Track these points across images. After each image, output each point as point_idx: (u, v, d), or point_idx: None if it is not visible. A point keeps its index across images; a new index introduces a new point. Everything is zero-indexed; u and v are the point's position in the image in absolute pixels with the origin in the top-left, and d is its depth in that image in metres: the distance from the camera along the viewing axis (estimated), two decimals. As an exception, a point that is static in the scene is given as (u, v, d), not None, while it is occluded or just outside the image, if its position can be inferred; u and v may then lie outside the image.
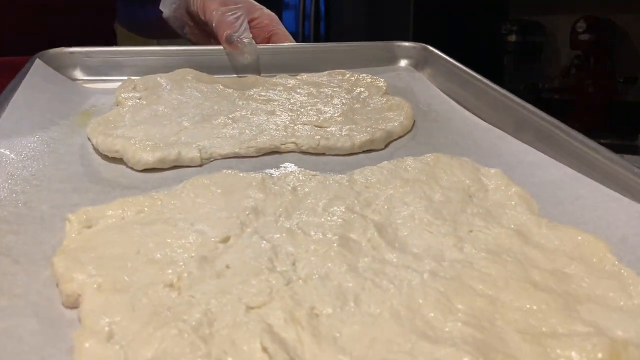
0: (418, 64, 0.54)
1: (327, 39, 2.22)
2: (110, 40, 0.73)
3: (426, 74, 0.52)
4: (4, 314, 0.24)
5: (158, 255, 0.27)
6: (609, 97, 2.18)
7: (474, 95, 0.47)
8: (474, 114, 0.46)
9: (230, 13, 0.54)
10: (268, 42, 0.57)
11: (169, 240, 0.28)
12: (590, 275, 0.27)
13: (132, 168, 0.36)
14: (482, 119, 0.44)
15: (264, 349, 0.21)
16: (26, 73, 0.43)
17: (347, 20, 2.19)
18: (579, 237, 0.29)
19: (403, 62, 0.55)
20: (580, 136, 0.37)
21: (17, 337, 0.22)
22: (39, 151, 0.37)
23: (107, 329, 0.23)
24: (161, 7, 0.61)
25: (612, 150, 1.25)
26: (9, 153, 0.35)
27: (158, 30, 0.72)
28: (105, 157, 0.37)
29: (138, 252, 0.27)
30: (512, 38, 2.22)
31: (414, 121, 0.43)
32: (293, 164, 0.37)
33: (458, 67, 0.49)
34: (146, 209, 0.30)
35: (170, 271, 0.26)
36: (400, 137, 0.41)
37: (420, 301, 0.25)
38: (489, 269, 0.27)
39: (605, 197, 0.33)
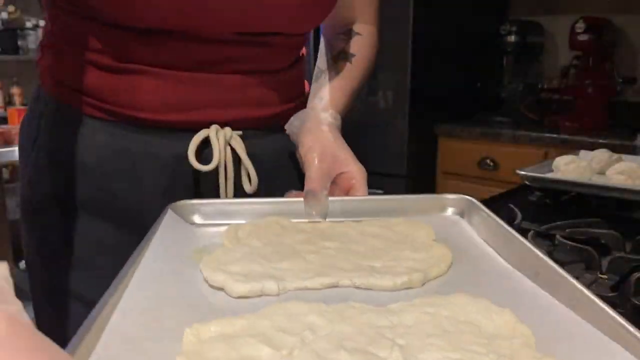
0: (464, 213, 0.62)
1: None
2: None
3: (470, 222, 0.60)
4: None
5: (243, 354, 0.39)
6: (608, 97, 2.19)
7: (508, 247, 0.52)
8: (503, 259, 0.52)
9: (320, 172, 0.65)
10: (346, 193, 0.66)
11: (250, 346, 0.39)
12: None
13: (230, 295, 0.47)
14: (511, 265, 0.50)
15: None
16: (161, 222, 0.56)
17: (347, 21, 2.20)
18: None
19: (450, 210, 0.63)
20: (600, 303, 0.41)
21: None
22: (160, 280, 0.48)
23: None
24: (286, 126, 0.72)
25: (611, 150, 1.23)
26: (133, 278, 0.46)
27: None
28: (212, 287, 0.48)
29: (228, 355, 0.39)
30: (512, 38, 2.23)
31: (451, 264, 0.51)
32: (347, 296, 0.47)
33: (498, 222, 0.55)
34: (236, 325, 0.42)
35: None
36: (435, 277, 0.50)
37: None
38: None
39: (594, 341, 0.38)
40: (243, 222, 0.59)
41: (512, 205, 0.87)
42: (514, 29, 2.21)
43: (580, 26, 2.06)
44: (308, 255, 0.51)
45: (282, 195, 0.70)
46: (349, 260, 0.51)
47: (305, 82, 0.82)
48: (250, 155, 0.70)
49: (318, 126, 0.69)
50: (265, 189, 0.71)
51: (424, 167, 2.22)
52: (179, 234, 0.56)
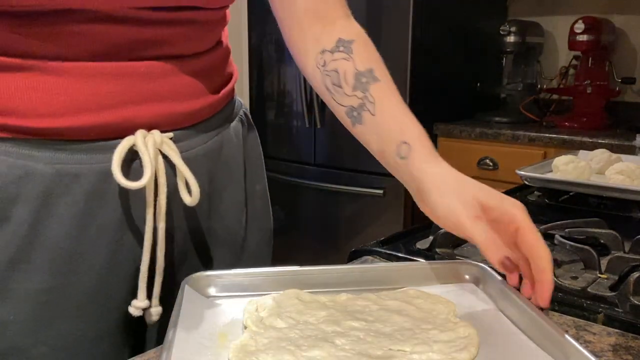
0: (479, 281, 0.61)
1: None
2: None
3: (486, 291, 0.59)
4: None
5: None
6: (607, 97, 2.20)
7: (527, 320, 0.52)
8: (527, 336, 0.51)
9: (491, 239, 0.52)
10: (515, 238, 0.54)
11: None
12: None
13: None
14: (536, 344, 0.49)
15: None
16: (181, 299, 0.53)
17: (347, 21, 2.20)
18: None
19: (466, 278, 0.62)
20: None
21: None
22: None
23: None
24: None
25: (610, 150, 1.23)
26: None
27: None
28: None
29: None
30: (511, 38, 2.23)
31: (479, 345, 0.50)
32: None
33: (515, 294, 0.55)
34: None
35: None
36: None
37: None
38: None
39: None
40: (260, 293, 0.58)
41: (511, 205, 0.87)
42: (513, 29, 2.21)
43: (579, 26, 2.06)
44: (337, 339, 0.50)
45: (228, 204, 0.66)
46: (379, 345, 0.50)
47: (234, 66, 0.73)
48: (184, 160, 0.60)
49: (435, 182, 0.57)
50: (206, 198, 0.64)
51: (423, 167, 2.22)
52: (198, 311, 0.55)
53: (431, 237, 0.77)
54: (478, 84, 2.37)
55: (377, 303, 0.57)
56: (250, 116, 0.77)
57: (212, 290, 0.59)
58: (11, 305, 0.55)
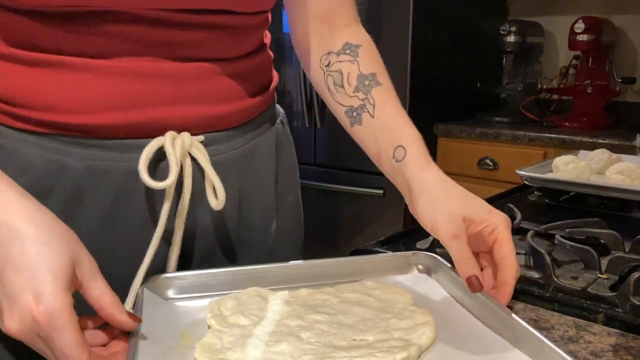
0: (430, 270, 0.64)
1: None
2: None
3: (438, 280, 0.62)
4: None
5: None
6: (607, 97, 2.20)
7: (478, 304, 0.56)
8: (479, 320, 0.54)
9: (463, 252, 0.54)
10: (490, 249, 0.57)
11: None
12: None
13: None
14: (488, 327, 0.53)
15: None
16: (142, 303, 0.53)
17: (347, 21, 2.20)
18: None
19: (417, 269, 0.65)
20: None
21: None
22: None
23: None
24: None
25: (610, 150, 1.23)
26: None
27: None
28: None
29: None
30: (512, 38, 2.23)
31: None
32: None
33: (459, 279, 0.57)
34: None
35: None
36: (428, 347, 0.51)
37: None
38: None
39: None
40: (219, 293, 0.57)
41: (511, 205, 0.87)
42: (513, 29, 2.21)
43: (579, 26, 2.06)
44: (302, 333, 0.51)
45: (257, 212, 0.66)
46: (343, 336, 0.51)
47: (274, 72, 0.73)
48: (213, 164, 0.60)
49: (425, 192, 0.58)
50: (234, 203, 0.64)
51: (423, 167, 2.22)
52: (158, 314, 0.53)
53: (431, 237, 0.77)
54: (478, 84, 2.37)
55: (337, 296, 0.58)
56: (288, 126, 0.77)
57: (170, 293, 0.58)
58: None
